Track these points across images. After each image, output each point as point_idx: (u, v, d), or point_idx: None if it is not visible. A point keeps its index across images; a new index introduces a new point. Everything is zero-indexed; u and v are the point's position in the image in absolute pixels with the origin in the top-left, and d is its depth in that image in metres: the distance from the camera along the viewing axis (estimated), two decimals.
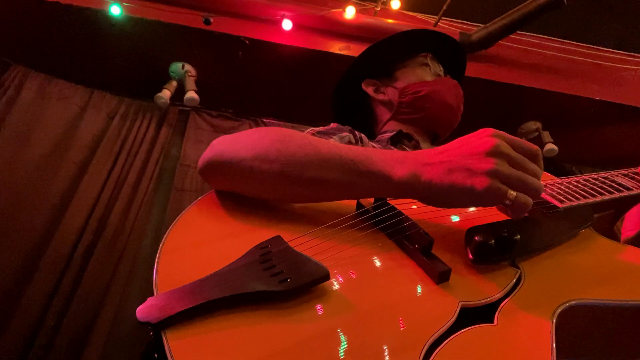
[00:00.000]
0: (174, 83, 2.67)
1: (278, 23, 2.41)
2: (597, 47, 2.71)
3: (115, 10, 2.28)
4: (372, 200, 0.68)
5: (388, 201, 0.66)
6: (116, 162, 2.59)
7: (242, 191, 0.69)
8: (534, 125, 2.83)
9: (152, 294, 0.50)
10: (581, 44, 2.70)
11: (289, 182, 0.64)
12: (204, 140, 2.77)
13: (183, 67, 2.62)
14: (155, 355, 0.45)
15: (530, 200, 0.56)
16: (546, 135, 2.79)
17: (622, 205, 0.83)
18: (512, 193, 0.55)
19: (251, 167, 0.65)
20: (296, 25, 2.43)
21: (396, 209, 0.64)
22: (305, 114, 2.85)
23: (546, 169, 0.84)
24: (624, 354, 0.61)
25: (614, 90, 2.62)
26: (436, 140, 1.26)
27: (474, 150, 0.57)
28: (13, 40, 2.50)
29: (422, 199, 0.61)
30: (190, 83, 2.60)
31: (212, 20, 2.32)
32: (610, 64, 2.68)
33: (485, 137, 0.58)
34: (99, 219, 2.40)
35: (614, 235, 0.85)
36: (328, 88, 1.37)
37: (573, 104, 2.62)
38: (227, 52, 2.51)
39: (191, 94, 2.57)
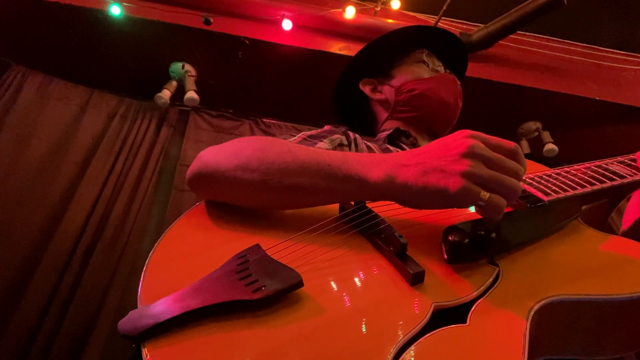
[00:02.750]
0: (174, 83, 2.68)
1: (278, 23, 2.40)
2: (597, 47, 2.70)
3: (115, 10, 2.28)
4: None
5: (367, 204, 0.66)
6: (116, 162, 2.60)
7: (228, 200, 0.70)
8: (534, 125, 2.83)
9: None
10: (581, 44, 2.69)
11: (269, 190, 0.65)
12: (204, 140, 2.77)
13: (183, 67, 2.62)
14: None
15: (504, 202, 0.55)
16: (546, 135, 2.79)
17: (616, 194, 0.81)
18: (485, 194, 0.54)
19: (234, 177, 0.66)
20: (296, 25, 2.42)
21: (373, 211, 0.64)
22: (305, 114, 2.85)
23: None
24: (609, 350, 0.59)
25: (614, 90, 2.61)
26: (436, 137, 1.25)
27: (450, 151, 0.57)
28: (13, 40, 2.51)
29: (398, 201, 0.61)
30: (190, 83, 2.61)
31: (212, 20, 2.32)
32: (610, 64, 2.67)
33: (462, 139, 0.57)
34: (99, 219, 2.41)
35: (607, 227, 0.83)
36: (328, 88, 1.36)
37: (573, 104, 2.61)
38: (227, 52, 2.51)
39: (191, 94, 2.58)
